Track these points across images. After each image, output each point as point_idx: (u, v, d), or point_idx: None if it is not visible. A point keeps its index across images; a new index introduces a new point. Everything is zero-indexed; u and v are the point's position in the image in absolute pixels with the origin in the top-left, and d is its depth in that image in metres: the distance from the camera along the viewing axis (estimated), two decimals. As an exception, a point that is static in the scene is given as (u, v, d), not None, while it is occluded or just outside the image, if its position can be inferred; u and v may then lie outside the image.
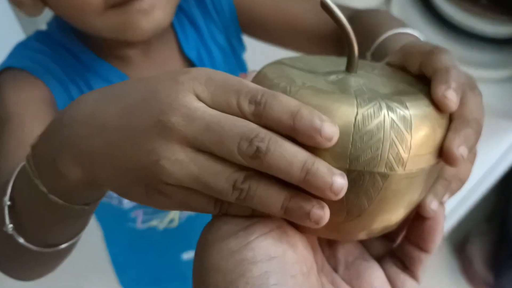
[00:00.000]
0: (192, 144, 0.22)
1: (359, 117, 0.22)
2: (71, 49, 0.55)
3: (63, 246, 0.36)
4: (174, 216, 0.70)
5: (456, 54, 1.01)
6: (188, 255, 0.79)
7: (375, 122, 0.22)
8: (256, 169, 0.22)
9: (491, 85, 1.01)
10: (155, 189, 0.24)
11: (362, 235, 0.25)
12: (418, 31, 1.04)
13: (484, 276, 1.46)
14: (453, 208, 1.38)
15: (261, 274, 0.21)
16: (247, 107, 0.22)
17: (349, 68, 0.26)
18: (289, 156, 0.21)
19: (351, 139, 0.22)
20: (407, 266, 0.28)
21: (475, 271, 1.48)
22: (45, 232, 0.34)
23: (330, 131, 0.21)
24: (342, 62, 0.28)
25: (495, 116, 1.00)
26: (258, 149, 0.21)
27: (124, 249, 0.84)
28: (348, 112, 0.22)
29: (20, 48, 0.55)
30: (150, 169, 0.23)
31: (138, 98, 0.24)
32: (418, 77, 0.27)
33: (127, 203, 0.65)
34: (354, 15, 0.57)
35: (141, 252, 0.82)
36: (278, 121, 0.21)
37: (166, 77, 0.25)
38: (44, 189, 0.29)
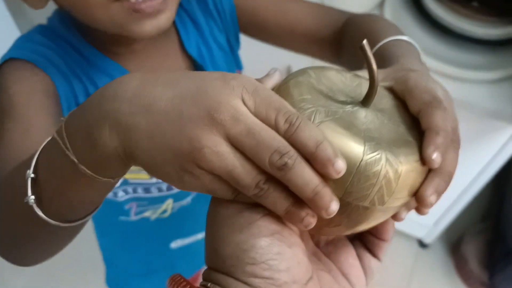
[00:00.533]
0: (232, 141, 0.26)
1: (363, 163, 0.27)
2: (73, 43, 0.55)
3: (79, 222, 0.38)
4: (167, 207, 0.71)
5: (448, 56, 1.03)
6: (176, 243, 0.80)
7: (374, 170, 0.27)
8: (276, 177, 0.26)
9: (483, 87, 1.02)
10: (187, 171, 0.27)
11: (340, 234, 0.32)
12: (410, 34, 1.06)
13: (479, 275, 1.47)
14: (447, 208, 1.39)
15: (267, 245, 0.26)
16: (282, 125, 0.26)
17: (365, 103, 0.30)
18: (307, 177, 0.25)
19: (351, 178, 0.27)
20: (371, 250, 0.34)
21: (470, 270, 1.49)
22: (66, 206, 0.35)
23: (340, 167, 0.25)
24: (358, 84, 0.33)
25: (487, 117, 1.02)
26: (285, 164, 0.25)
27: (115, 242, 0.85)
28: (356, 156, 0.27)
29: (23, 41, 0.55)
30: (191, 153, 0.26)
31: (190, 89, 0.27)
32: (414, 118, 0.32)
33: (121, 196, 0.66)
34: (354, 18, 0.59)
35: (131, 243, 0.83)
36: (304, 144, 0.26)
37: (216, 78, 0.28)
38: (75, 159, 0.30)
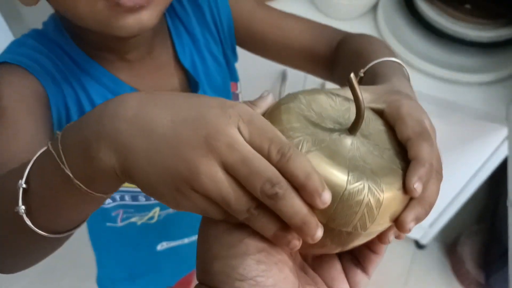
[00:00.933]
0: (227, 168, 0.27)
1: (346, 192, 0.28)
2: (66, 49, 0.55)
3: (66, 234, 0.38)
4: (154, 214, 0.71)
5: (441, 58, 1.03)
6: (162, 246, 0.80)
7: (356, 199, 0.28)
8: (266, 205, 0.27)
9: (475, 89, 1.02)
10: (182, 193, 0.28)
11: (325, 253, 0.34)
12: (403, 37, 1.06)
13: (475, 276, 1.48)
14: (443, 209, 1.40)
15: (254, 263, 0.28)
16: (274, 155, 0.27)
17: (352, 131, 0.32)
18: (296, 207, 0.27)
19: (335, 206, 0.28)
20: (361, 263, 0.35)
21: (466, 271, 1.50)
22: (55, 218, 0.36)
23: (326, 199, 0.27)
24: (347, 108, 0.35)
25: (481, 119, 1.03)
26: (276, 194, 0.26)
27: (103, 246, 0.85)
28: (339, 186, 0.28)
29: (16, 45, 0.55)
30: (187, 177, 0.27)
31: (189, 115, 0.28)
32: (401, 145, 0.33)
33: (108, 203, 0.66)
34: (349, 38, 0.60)
35: (118, 248, 0.82)
36: (295, 175, 0.27)
37: (215, 105, 0.29)
38: (70, 174, 0.31)
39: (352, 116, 0.32)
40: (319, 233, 0.27)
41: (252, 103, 0.33)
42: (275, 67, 1.20)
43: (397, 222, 0.30)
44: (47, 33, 0.56)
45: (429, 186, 0.31)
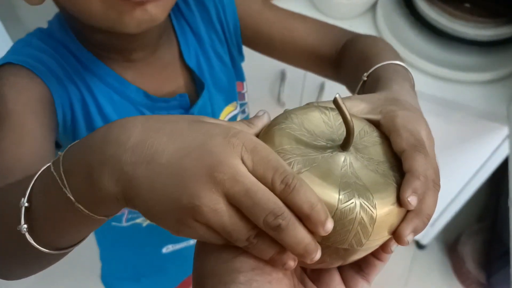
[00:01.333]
0: (229, 199, 0.27)
1: (338, 212, 0.28)
2: (71, 48, 0.55)
3: (67, 250, 0.38)
4: None
5: (441, 58, 1.03)
6: (168, 249, 0.80)
7: (348, 218, 0.28)
8: (269, 234, 0.27)
9: (476, 88, 1.02)
10: (184, 223, 0.28)
11: (325, 267, 0.34)
12: (403, 36, 1.06)
13: (476, 276, 1.47)
14: (444, 209, 1.39)
15: (246, 280, 0.27)
16: (278, 185, 0.27)
17: (344, 147, 0.32)
18: (299, 237, 0.27)
19: None
20: (363, 269, 0.34)
21: (467, 271, 1.49)
22: (57, 236, 0.36)
23: (329, 227, 0.27)
24: (341, 123, 0.34)
25: (481, 118, 1.02)
26: (279, 225, 0.27)
27: (108, 245, 0.85)
28: (331, 206, 0.28)
29: (21, 45, 0.54)
30: (190, 209, 0.27)
31: (192, 144, 0.28)
32: (397, 157, 0.33)
33: None
34: (356, 39, 0.60)
35: (123, 247, 0.82)
36: (299, 206, 0.27)
37: (218, 134, 0.29)
38: (72, 198, 0.31)
39: (345, 132, 0.32)
40: (318, 255, 0.28)
41: (249, 122, 0.33)
42: (275, 68, 1.19)
43: (395, 235, 0.31)
44: (52, 33, 0.56)
45: (426, 198, 0.31)
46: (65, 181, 0.31)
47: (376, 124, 0.36)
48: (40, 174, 0.34)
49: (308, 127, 0.33)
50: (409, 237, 0.30)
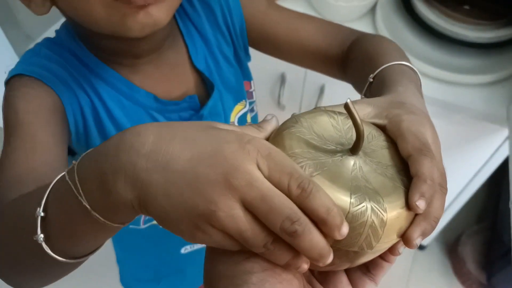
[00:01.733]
0: (246, 205, 0.28)
1: (349, 215, 0.29)
2: (79, 55, 0.56)
3: (84, 258, 0.38)
4: None
5: (441, 60, 1.03)
6: (186, 249, 0.81)
7: (360, 221, 0.29)
8: (285, 240, 0.28)
9: (476, 90, 1.02)
10: (200, 229, 0.28)
11: (333, 270, 0.34)
12: (403, 39, 1.06)
13: (477, 276, 1.47)
14: (445, 210, 1.39)
15: (258, 281, 0.28)
16: (294, 190, 0.28)
17: (353, 151, 0.32)
18: (315, 243, 0.27)
19: None
20: (370, 270, 0.35)
21: (468, 271, 1.50)
22: (73, 245, 0.36)
23: (345, 232, 0.27)
24: (350, 126, 0.35)
25: (481, 120, 1.02)
26: (295, 231, 0.27)
27: (126, 248, 0.85)
28: (342, 209, 0.28)
29: (30, 55, 0.55)
30: (206, 215, 0.27)
31: (207, 151, 0.28)
32: (404, 161, 0.34)
33: None
34: (362, 38, 0.60)
35: (142, 249, 0.82)
36: (316, 210, 0.27)
37: (233, 141, 0.29)
38: (88, 206, 0.31)
39: (354, 136, 0.32)
40: (330, 259, 0.28)
41: (258, 126, 0.33)
42: (275, 70, 1.20)
43: (404, 239, 0.31)
44: (60, 41, 0.57)
45: (433, 201, 0.32)
46: (80, 190, 0.31)
47: (382, 128, 0.36)
48: (54, 183, 0.34)
49: (318, 131, 0.34)
50: (417, 240, 0.31)
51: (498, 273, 1.37)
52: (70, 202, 0.32)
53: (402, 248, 0.33)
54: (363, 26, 1.13)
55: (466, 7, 1.04)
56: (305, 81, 1.19)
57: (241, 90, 0.69)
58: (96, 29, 0.49)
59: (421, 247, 1.63)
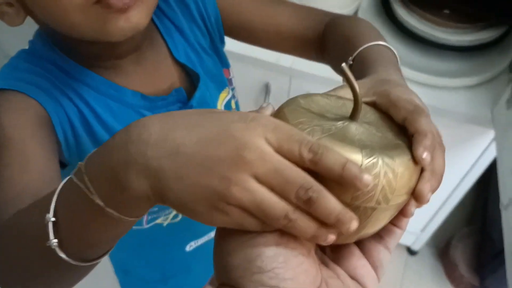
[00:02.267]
0: (259, 178, 0.28)
1: (363, 167, 0.29)
2: (58, 63, 0.54)
3: (97, 260, 0.38)
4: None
5: (424, 64, 1.04)
6: (191, 246, 0.81)
7: (374, 171, 0.29)
8: (302, 208, 0.28)
9: (460, 93, 1.03)
10: (217, 209, 0.28)
11: (350, 241, 0.34)
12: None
13: (469, 279, 1.47)
14: (434, 214, 1.40)
15: (272, 255, 0.28)
16: (306, 155, 0.28)
17: (353, 117, 0.33)
18: (331, 207, 0.27)
19: None
20: (383, 237, 0.35)
21: (460, 275, 1.49)
22: (86, 247, 0.36)
23: (368, 180, 0.27)
24: (343, 104, 0.37)
25: (467, 123, 1.03)
26: (310, 198, 0.27)
27: (130, 251, 0.85)
28: (355, 162, 0.29)
29: (8, 70, 0.54)
30: (221, 192, 0.28)
31: (213, 132, 0.29)
32: (399, 127, 0.35)
33: None
34: (337, 20, 0.61)
35: (147, 250, 0.82)
36: (330, 169, 0.28)
37: (237, 120, 0.29)
38: (101, 203, 0.31)
39: (349, 110, 0.34)
40: (354, 225, 0.28)
41: (256, 111, 0.33)
42: (258, 80, 1.19)
43: (415, 194, 0.32)
44: (36, 51, 0.55)
45: (435, 157, 0.33)
46: (91, 188, 0.31)
47: (372, 105, 0.38)
48: (61, 188, 0.34)
49: (315, 107, 0.35)
50: (429, 195, 0.31)
51: (491, 275, 1.37)
52: (81, 203, 0.32)
53: (414, 208, 0.33)
54: (345, 34, 1.14)
55: (446, 11, 1.05)
56: (290, 90, 1.19)
57: (222, 78, 0.70)
58: (75, 35, 0.48)
59: (412, 253, 1.63)
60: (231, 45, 0.74)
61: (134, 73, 0.59)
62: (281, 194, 0.28)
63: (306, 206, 0.28)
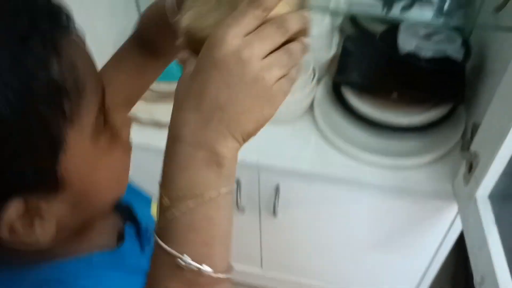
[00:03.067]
0: (260, 54, 0.34)
1: None
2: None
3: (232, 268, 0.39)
4: None
5: (381, 147, 1.08)
6: None
7: None
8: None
9: (419, 171, 1.07)
10: (264, 80, 0.34)
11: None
12: (344, 133, 1.09)
13: None
14: (417, 285, 1.39)
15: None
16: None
17: None
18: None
19: None
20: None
21: None
22: (228, 253, 0.38)
23: None
24: None
25: (430, 199, 1.06)
26: None
27: None
28: None
29: None
30: (250, 74, 0.34)
31: (203, 68, 0.34)
32: None
33: None
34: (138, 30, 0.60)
35: None
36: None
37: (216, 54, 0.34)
38: (226, 189, 0.36)
39: None
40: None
41: None
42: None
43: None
44: None
45: None
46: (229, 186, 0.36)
47: None
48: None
49: None
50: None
51: None
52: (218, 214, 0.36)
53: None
54: (305, 123, 1.18)
55: (394, 95, 1.12)
56: (259, 182, 1.21)
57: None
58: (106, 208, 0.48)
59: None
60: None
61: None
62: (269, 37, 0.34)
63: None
